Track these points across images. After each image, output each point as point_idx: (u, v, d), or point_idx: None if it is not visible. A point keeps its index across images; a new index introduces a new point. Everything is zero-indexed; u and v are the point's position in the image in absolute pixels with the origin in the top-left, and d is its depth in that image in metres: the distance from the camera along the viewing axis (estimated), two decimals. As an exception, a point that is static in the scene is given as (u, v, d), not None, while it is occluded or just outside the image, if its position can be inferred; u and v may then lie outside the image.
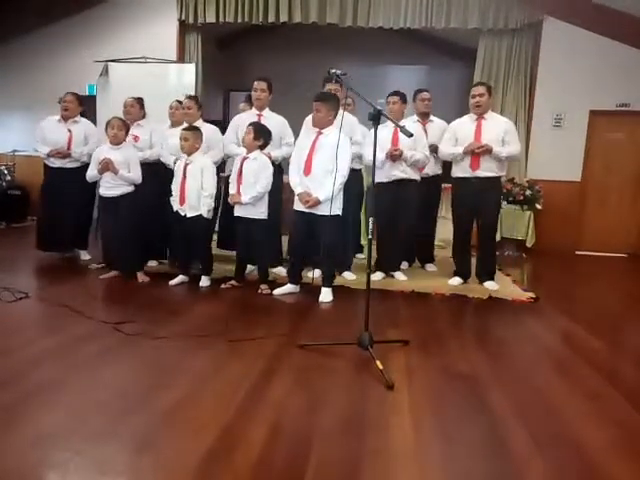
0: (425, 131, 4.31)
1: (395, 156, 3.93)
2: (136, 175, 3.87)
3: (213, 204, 3.77)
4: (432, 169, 4.40)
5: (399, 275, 4.25)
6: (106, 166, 3.76)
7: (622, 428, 1.96)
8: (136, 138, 4.17)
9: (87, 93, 6.48)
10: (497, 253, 4.33)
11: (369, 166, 3.98)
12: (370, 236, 2.64)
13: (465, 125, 4.01)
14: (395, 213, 4.06)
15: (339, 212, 3.52)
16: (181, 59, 6.81)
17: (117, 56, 6.49)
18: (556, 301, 3.90)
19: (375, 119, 2.53)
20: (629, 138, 6.36)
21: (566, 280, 5.04)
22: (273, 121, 4.00)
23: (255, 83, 4.08)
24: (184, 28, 6.86)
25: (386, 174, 4.01)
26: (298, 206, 3.59)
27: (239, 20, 6.57)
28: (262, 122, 3.90)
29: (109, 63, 6.38)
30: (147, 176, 3.95)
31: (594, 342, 2.99)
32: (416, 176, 4.10)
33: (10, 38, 7.16)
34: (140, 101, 4.30)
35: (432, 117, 4.56)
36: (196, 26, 6.81)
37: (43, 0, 6.70)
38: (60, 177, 4.34)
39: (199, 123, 4.10)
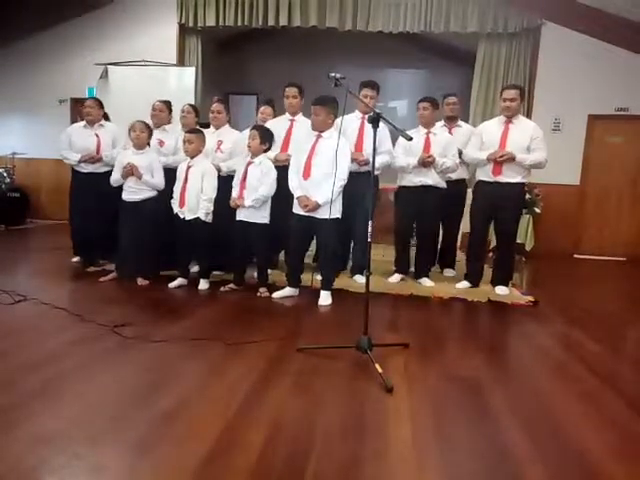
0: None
1: (427, 163, 3.90)
2: (159, 180, 3.87)
3: (212, 207, 3.76)
4: (457, 173, 4.29)
5: (425, 281, 4.15)
6: (130, 171, 3.76)
7: (622, 431, 1.96)
8: (161, 143, 4.13)
9: (87, 96, 6.49)
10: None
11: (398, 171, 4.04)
12: (369, 239, 2.64)
13: (492, 128, 3.92)
14: (418, 218, 4.03)
15: (338, 215, 3.52)
16: (181, 62, 6.84)
17: (117, 59, 6.51)
18: (555, 305, 3.91)
19: (374, 122, 2.54)
20: (628, 142, 6.39)
21: (565, 284, 5.04)
22: (306, 126, 3.87)
23: (286, 90, 4.06)
24: (184, 31, 6.89)
25: (411, 179, 3.99)
26: (297, 209, 3.59)
27: (239, 23, 6.60)
28: (295, 128, 3.92)
29: (109, 66, 6.40)
30: (169, 181, 3.91)
31: (593, 346, 2.99)
32: (443, 184, 4.05)
33: (10, 40, 7.18)
34: (168, 105, 4.26)
35: (460, 122, 4.53)
36: (196, 29, 6.84)
37: (44, 3, 6.71)
38: (91, 182, 4.30)
39: (226, 128, 4.11)
